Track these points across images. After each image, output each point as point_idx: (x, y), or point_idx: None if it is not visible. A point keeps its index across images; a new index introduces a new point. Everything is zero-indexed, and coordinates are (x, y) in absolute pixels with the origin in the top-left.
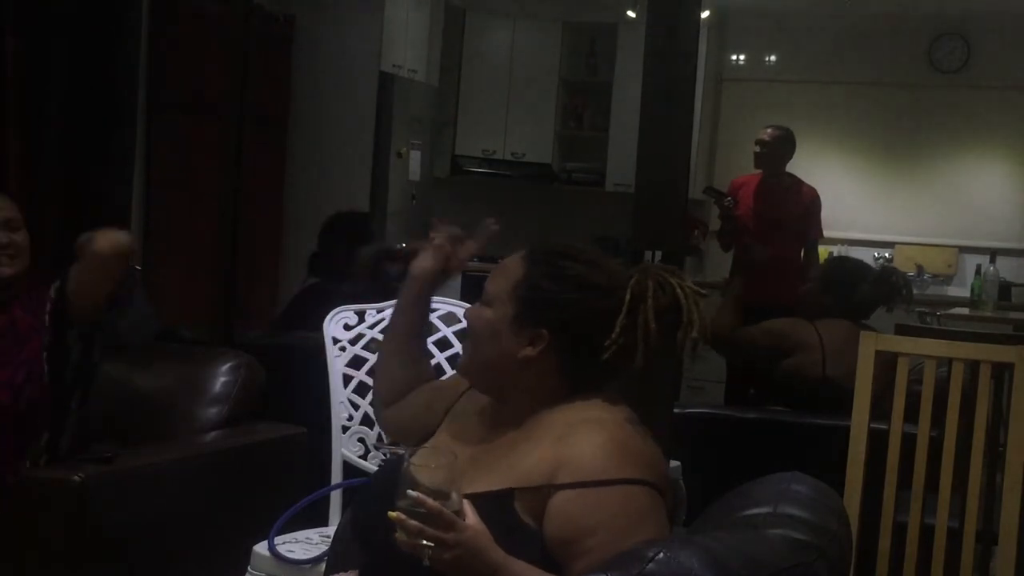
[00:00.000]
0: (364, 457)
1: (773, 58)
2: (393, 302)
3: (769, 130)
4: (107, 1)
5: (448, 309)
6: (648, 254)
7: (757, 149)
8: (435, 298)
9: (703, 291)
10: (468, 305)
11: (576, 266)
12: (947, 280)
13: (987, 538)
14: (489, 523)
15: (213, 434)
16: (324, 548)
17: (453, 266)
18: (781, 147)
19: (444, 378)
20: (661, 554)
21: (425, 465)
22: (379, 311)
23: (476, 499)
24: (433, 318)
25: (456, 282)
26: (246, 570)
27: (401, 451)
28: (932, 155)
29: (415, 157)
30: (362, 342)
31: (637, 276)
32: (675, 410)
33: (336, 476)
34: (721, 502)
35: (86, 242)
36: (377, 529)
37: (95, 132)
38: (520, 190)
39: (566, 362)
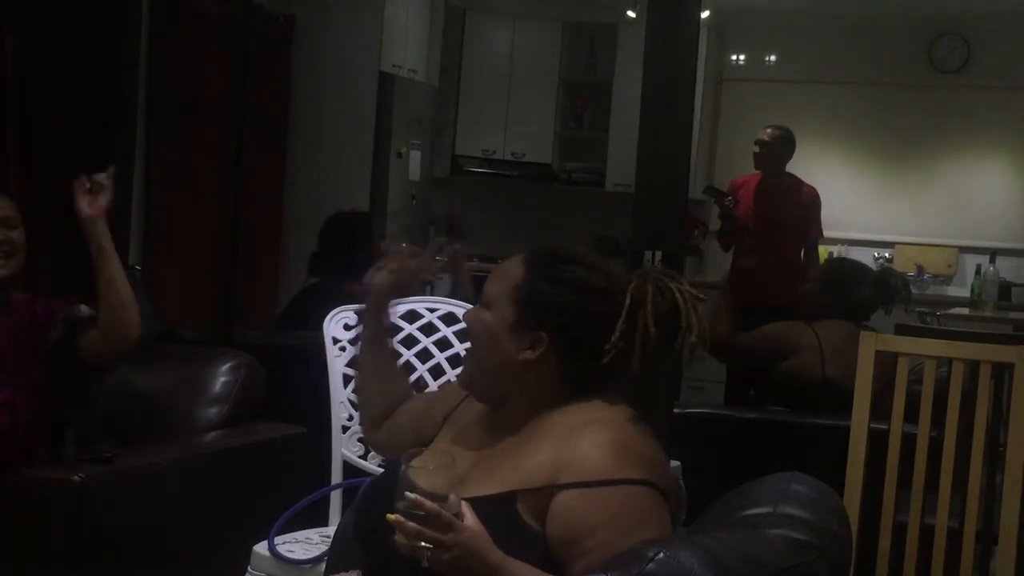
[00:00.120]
0: (364, 457)
1: (773, 58)
2: (393, 302)
3: (769, 130)
4: (107, 1)
5: (448, 309)
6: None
7: (756, 149)
8: (435, 298)
9: (702, 295)
10: (469, 306)
11: (576, 269)
12: (947, 280)
13: (987, 538)
14: (492, 526)
15: (213, 434)
16: (324, 548)
17: (411, 288)
18: (780, 147)
19: (438, 387)
20: (661, 554)
21: (423, 467)
22: None
23: (478, 503)
24: (433, 318)
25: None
26: (246, 570)
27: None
28: (932, 155)
29: (415, 157)
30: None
31: (637, 280)
32: (675, 410)
33: (336, 476)
34: (721, 502)
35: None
36: (377, 530)
37: (95, 132)
38: (520, 190)
39: (566, 365)
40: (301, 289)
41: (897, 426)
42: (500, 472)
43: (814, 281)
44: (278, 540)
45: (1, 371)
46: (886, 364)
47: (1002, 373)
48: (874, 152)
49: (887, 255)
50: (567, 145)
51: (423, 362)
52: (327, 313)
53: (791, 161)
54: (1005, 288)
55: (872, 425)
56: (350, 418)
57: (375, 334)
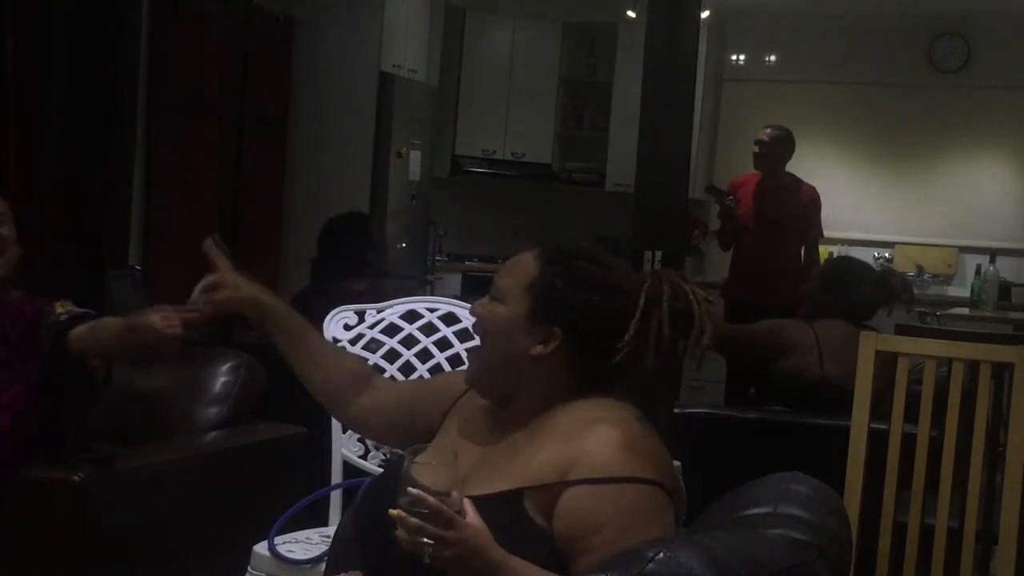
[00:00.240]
0: (364, 457)
1: (773, 58)
2: (393, 302)
3: (768, 130)
4: (107, 1)
5: (448, 309)
6: (648, 254)
7: (756, 149)
8: (435, 298)
9: (711, 298)
10: (469, 305)
11: (591, 267)
12: (947, 280)
13: (987, 538)
14: (498, 523)
15: (213, 434)
16: (324, 548)
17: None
18: (780, 147)
19: (434, 379)
20: (661, 554)
21: (426, 464)
22: (379, 311)
23: (485, 500)
24: (433, 318)
25: (456, 281)
26: (246, 570)
27: (402, 451)
28: (932, 155)
29: (415, 157)
30: (362, 342)
31: (651, 280)
32: (675, 410)
33: (336, 476)
34: (721, 502)
35: (139, 325)
36: (377, 530)
37: (95, 132)
38: (520, 190)
39: (576, 362)
40: (301, 289)
41: (897, 426)
42: (507, 469)
43: (815, 280)
44: (278, 540)
45: (1, 371)
46: (886, 364)
47: (1002, 373)
48: (874, 152)
49: (887, 255)
50: (567, 145)
51: (423, 362)
52: (327, 313)
53: (791, 161)
54: (1005, 288)
55: (872, 425)
56: None
57: (283, 337)
